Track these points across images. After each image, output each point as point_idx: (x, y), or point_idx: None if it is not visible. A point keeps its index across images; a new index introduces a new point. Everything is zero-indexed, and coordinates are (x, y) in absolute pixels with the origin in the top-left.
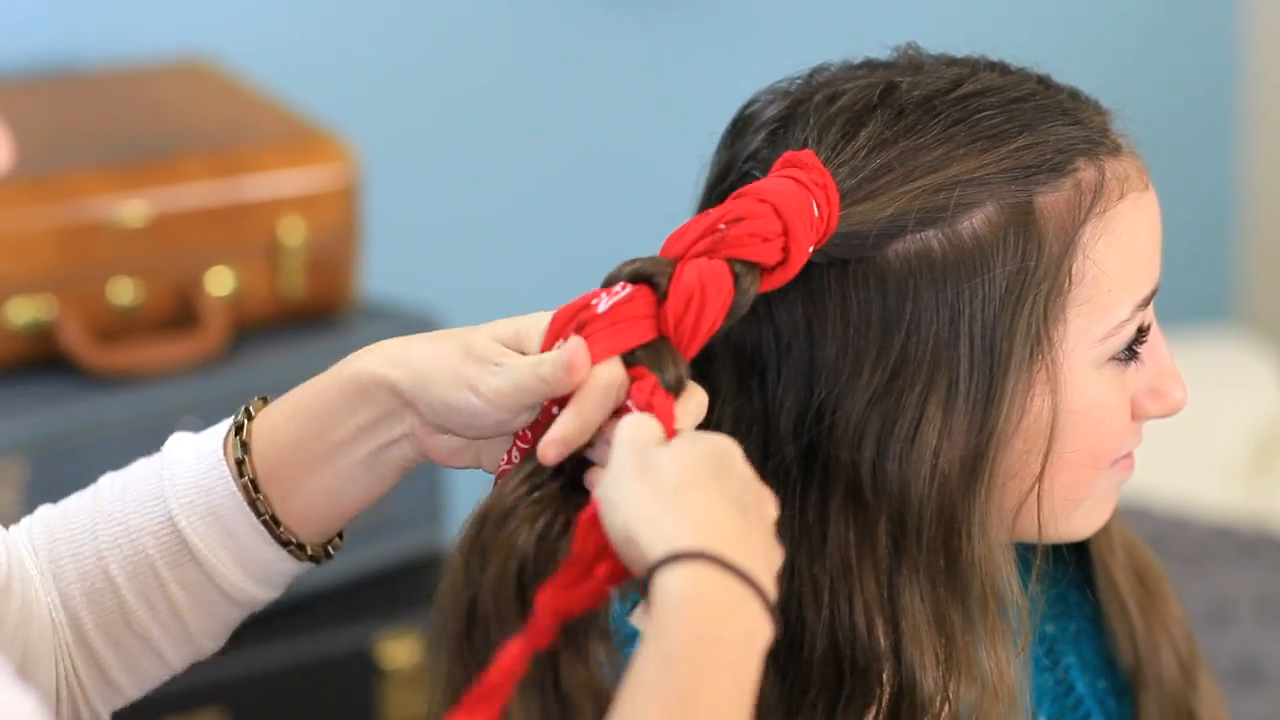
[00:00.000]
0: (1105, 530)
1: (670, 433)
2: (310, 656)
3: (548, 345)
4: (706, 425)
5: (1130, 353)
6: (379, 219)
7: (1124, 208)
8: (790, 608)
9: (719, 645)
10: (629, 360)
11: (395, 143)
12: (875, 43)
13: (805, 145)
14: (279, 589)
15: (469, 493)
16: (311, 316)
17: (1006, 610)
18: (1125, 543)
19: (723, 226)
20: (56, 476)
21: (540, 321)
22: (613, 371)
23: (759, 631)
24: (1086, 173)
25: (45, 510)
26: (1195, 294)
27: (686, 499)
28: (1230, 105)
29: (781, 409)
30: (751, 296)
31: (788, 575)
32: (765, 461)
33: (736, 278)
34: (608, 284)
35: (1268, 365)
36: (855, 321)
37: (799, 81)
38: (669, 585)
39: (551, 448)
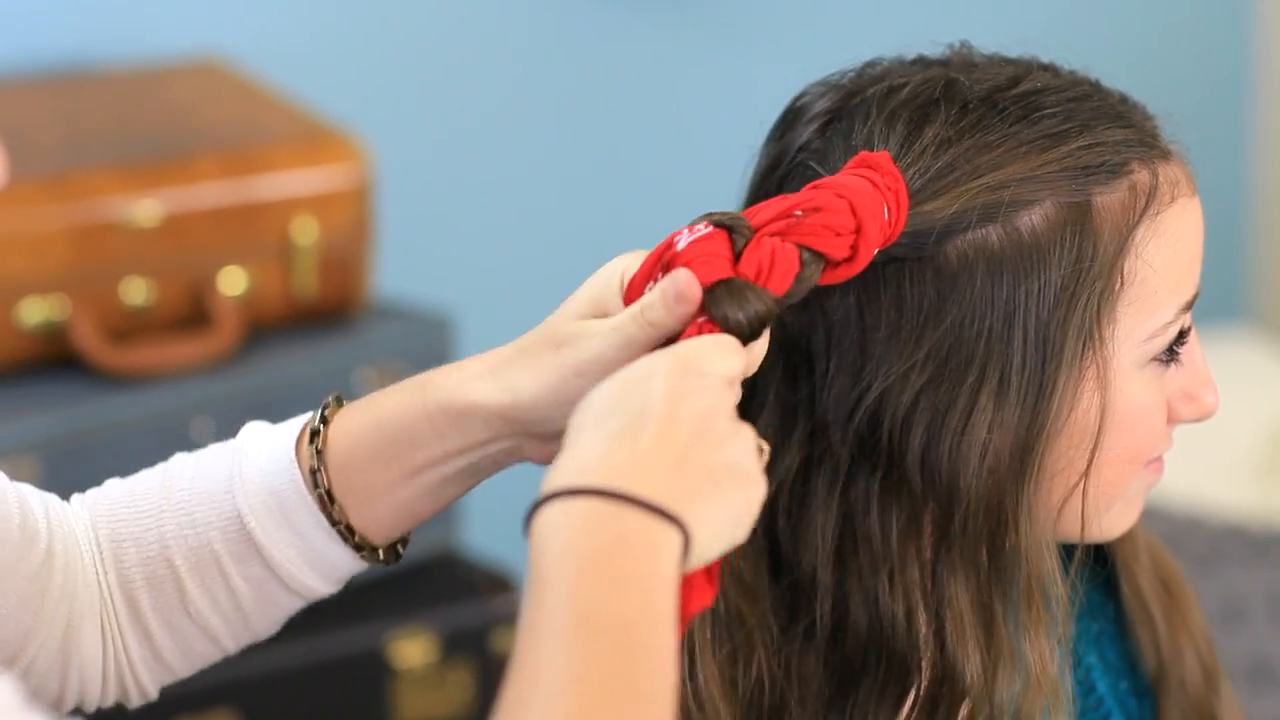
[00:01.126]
0: (1130, 535)
1: None
2: (322, 656)
3: (636, 293)
4: (749, 411)
5: (1171, 354)
6: (392, 218)
7: (1174, 211)
8: (836, 594)
9: (603, 555)
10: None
11: (408, 142)
12: (891, 43)
13: (871, 138)
14: (343, 583)
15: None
16: (324, 316)
17: (1049, 602)
18: (1150, 548)
19: (799, 213)
20: (69, 476)
21: (610, 277)
22: None
23: (637, 537)
24: (1141, 175)
25: (113, 486)
26: (1208, 294)
27: (577, 436)
28: (1242, 105)
29: (830, 398)
30: (810, 286)
31: (832, 562)
32: (811, 444)
33: (803, 264)
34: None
35: (1279, 365)
36: (909, 312)
37: (850, 75)
38: (541, 521)
39: None
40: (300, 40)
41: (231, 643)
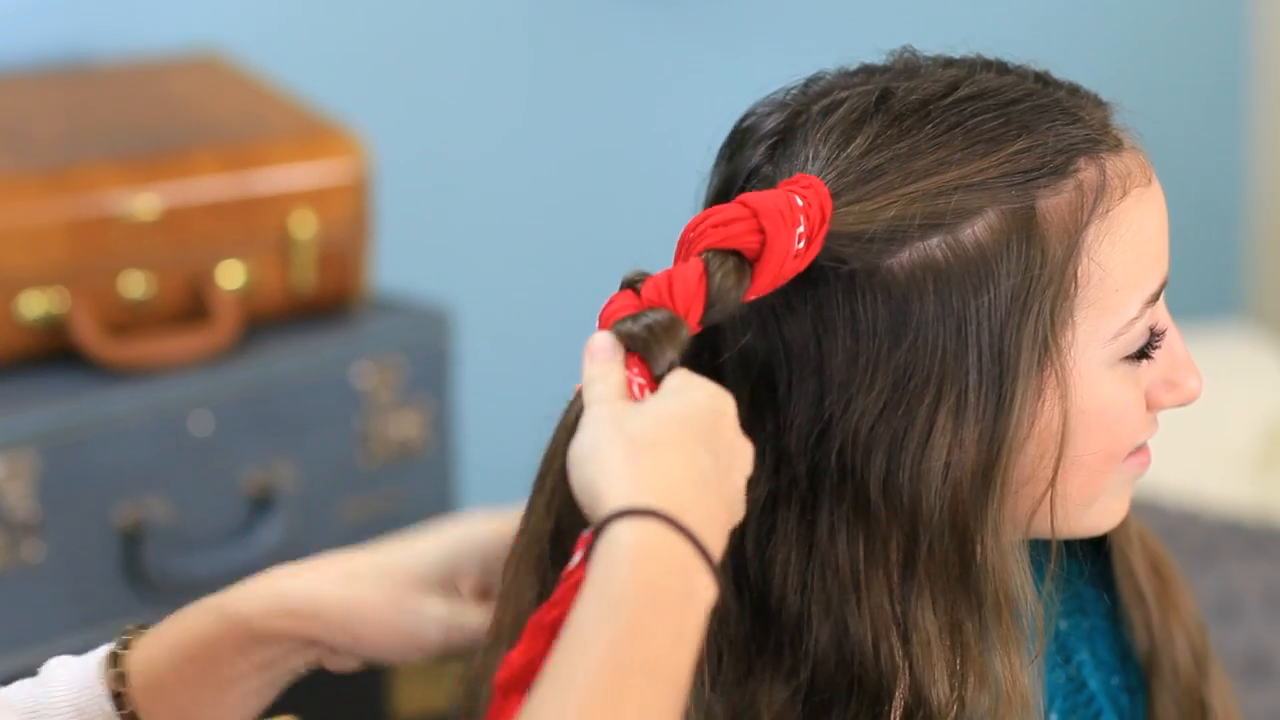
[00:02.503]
0: (1123, 522)
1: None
2: None
3: None
4: None
5: (1142, 354)
6: (390, 213)
7: (1127, 205)
8: (805, 624)
9: (664, 594)
10: (627, 347)
11: (406, 136)
12: (885, 39)
13: (804, 161)
14: None
15: (477, 486)
16: (322, 310)
17: (1020, 616)
18: (1140, 534)
19: (691, 234)
20: (68, 469)
21: (470, 544)
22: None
23: (702, 592)
24: (1088, 173)
25: None
26: (1203, 289)
27: (651, 456)
28: (1239, 100)
29: (792, 424)
30: (734, 284)
31: (799, 590)
32: (777, 476)
33: (707, 262)
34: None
35: (1275, 360)
36: (863, 334)
37: (795, 91)
38: (618, 536)
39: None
40: (299, 35)
41: None
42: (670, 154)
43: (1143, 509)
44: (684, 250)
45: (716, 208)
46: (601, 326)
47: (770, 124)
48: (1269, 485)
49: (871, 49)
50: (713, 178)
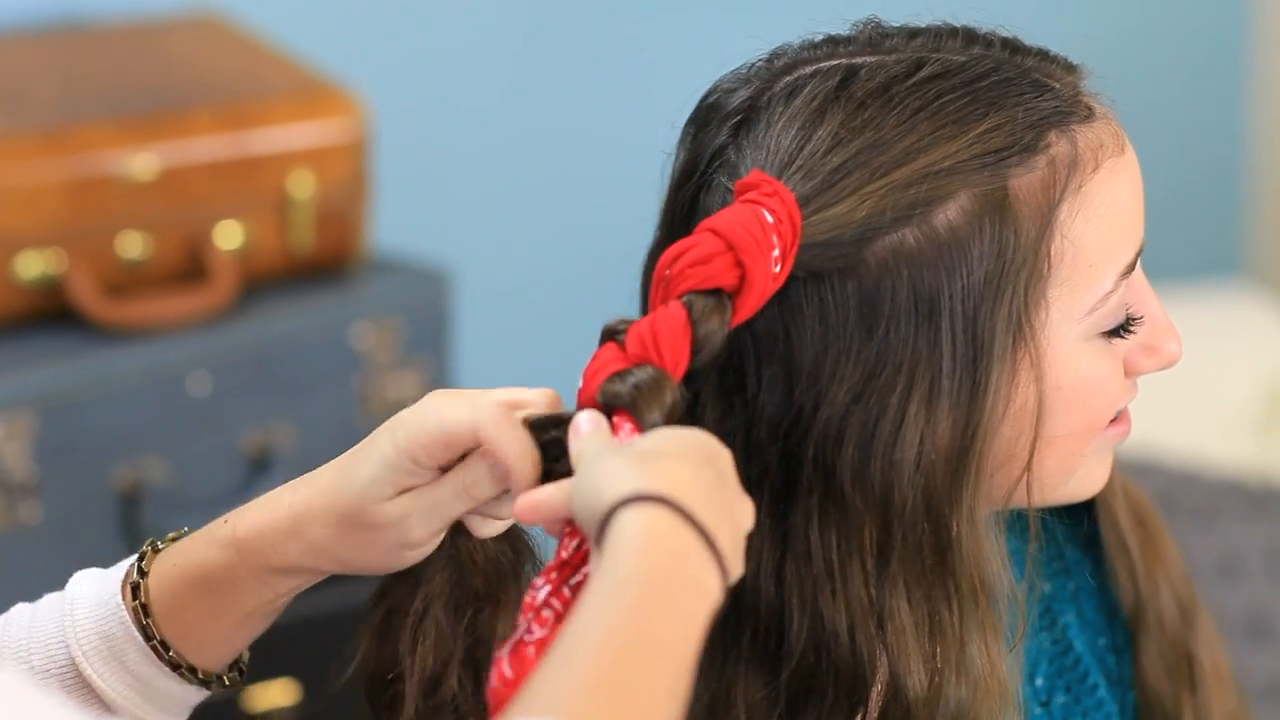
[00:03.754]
0: None
1: None
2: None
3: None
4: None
5: (1117, 333)
6: (388, 173)
7: (1100, 178)
8: (779, 614)
9: (672, 581)
10: (612, 404)
11: (405, 96)
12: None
13: (766, 152)
14: (184, 714)
15: None
16: (321, 270)
17: (997, 602)
18: (1123, 484)
19: (668, 271)
20: (65, 430)
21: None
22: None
23: (711, 587)
24: (1059, 147)
25: None
26: (1204, 249)
27: (660, 461)
28: (1240, 59)
29: (763, 415)
30: (718, 325)
31: (775, 581)
32: (748, 467)
33: (691, 308)
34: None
35: (1276, 319)
36: (833, 324)
37: (759, 66)
38: (627, 523)
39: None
40: None
41: None
42: (669, 114)
43: (1144, 470)
44: (662, 290)
45: (688, 242)
46: (586, 384)
47: (734, 102)
48: (1270, 445)
49: (840, 18)
50: (678, 153)
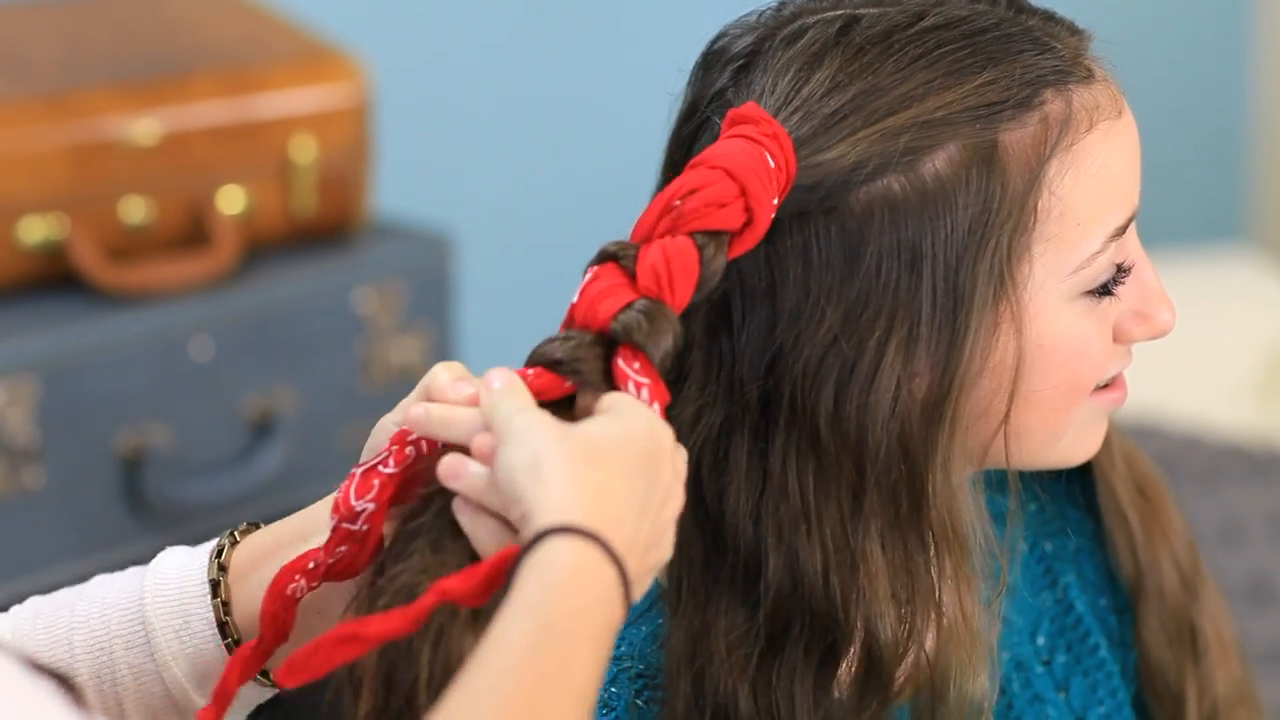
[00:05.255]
0: (1105, 443)
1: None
2: None
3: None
4: (680, 369)
5: (1105, 291)
6: (390, 137)
7: (1093, 139)
8: (758, 552)
9: (592, 623)
10: (626, 337)
11: (407, 60)
12: None
13: (761, 92)
14: (241, 714)
15: None
16: (323, 235)
17: (972, 553)
18: (1125, 454)
19: (678, 203)
20: (68, 395)
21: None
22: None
23: (618, 619)
24: (1054, 105)
25: (36, 598)
26: (1206, 213)
27: (592, 470)
28: (1241, 24)
29: (745, 353)
30: (720, 265)
31: (753, 519)
32: (730, 403)
33: (701, 249)
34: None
35: (1278, 284)
36: (815, 266)
37: (768, 13)
38: (560, 555)
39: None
40: None
41: None
42: (671, 76)
43: (1145, 434)
44: (669, 221)
45: (701, 178)
46: (589, 306)
47: (739, 46)
48: (1271, 410)
49: None
50: (684, 97)
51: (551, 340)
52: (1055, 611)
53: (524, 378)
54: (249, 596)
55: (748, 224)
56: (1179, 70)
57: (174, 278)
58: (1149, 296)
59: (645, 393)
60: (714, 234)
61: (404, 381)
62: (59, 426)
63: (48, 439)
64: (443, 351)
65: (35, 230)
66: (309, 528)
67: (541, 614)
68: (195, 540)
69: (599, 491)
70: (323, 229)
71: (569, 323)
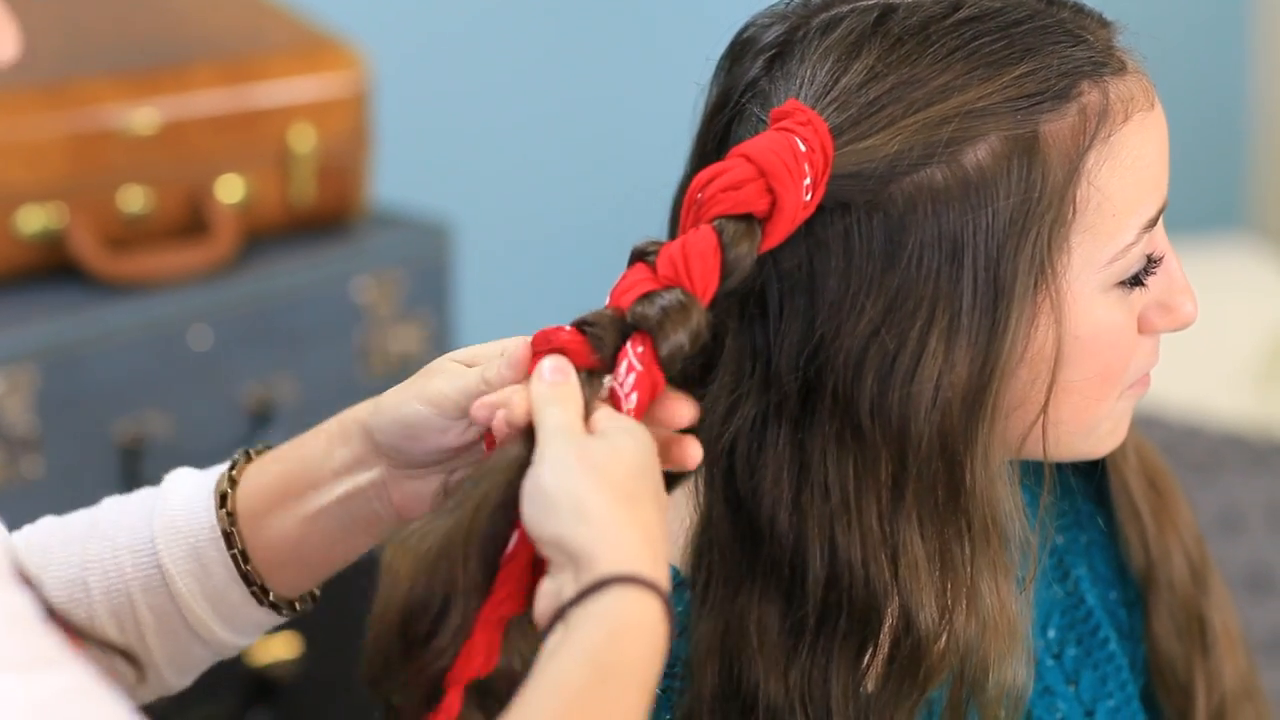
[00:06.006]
0: None
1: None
2: None
3: (532, 364)
4: (711, 363)
5: (1137, 281)
6: (390, 126)
7: (1129, 130)
8: (795, 543)
9: (649, 671)
10: (639, 325)
11: (406, 49)
12: None
13: (801, 84)
14: (247, 635)
15: None
16: (322, 224)
17: (1009, 543)
18: (1138, 447)
19: (700, 195)
20: (67, 384)
21: (493, 347)
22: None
23: (663, 654)
24: (1091, 96)
25: (48, 519)
26: (1206, 202)
27: (632, 511)
28: (1241, 13)
29: (783, 344)
30: (746, 251)
31: (791, 511)
32: (766, 395)
33: (721, 233)
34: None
35: (1278, 273)
36: (857, 256)
37: (796, 3)
38: (625, 605)
39: (483, 408)
40: None
41: (147, 692)
42: (675, 63)
43: (1146, 423)
44: (693, 214)
45: (721, 166)
46: (614, 304)
47: (769, 36)
48: (1271, 399)
49: None
50: (711, 88)
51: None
52: (1066, 604)
53: (559, 335)
54: (265, 544)
55: (774, 206)
56: (1178, 60)
57: (173, 267)
58: (1173, 288)
59: (631, 378)
60: (736, 219)
61: (403, 370)
62: (58, 416)
63: (47, 428)
64: (442, 340)
65: (34, 219)
66: (310, 468)
67: (602, 661)
68: None
69: (645, 534)
70: (322, 218)
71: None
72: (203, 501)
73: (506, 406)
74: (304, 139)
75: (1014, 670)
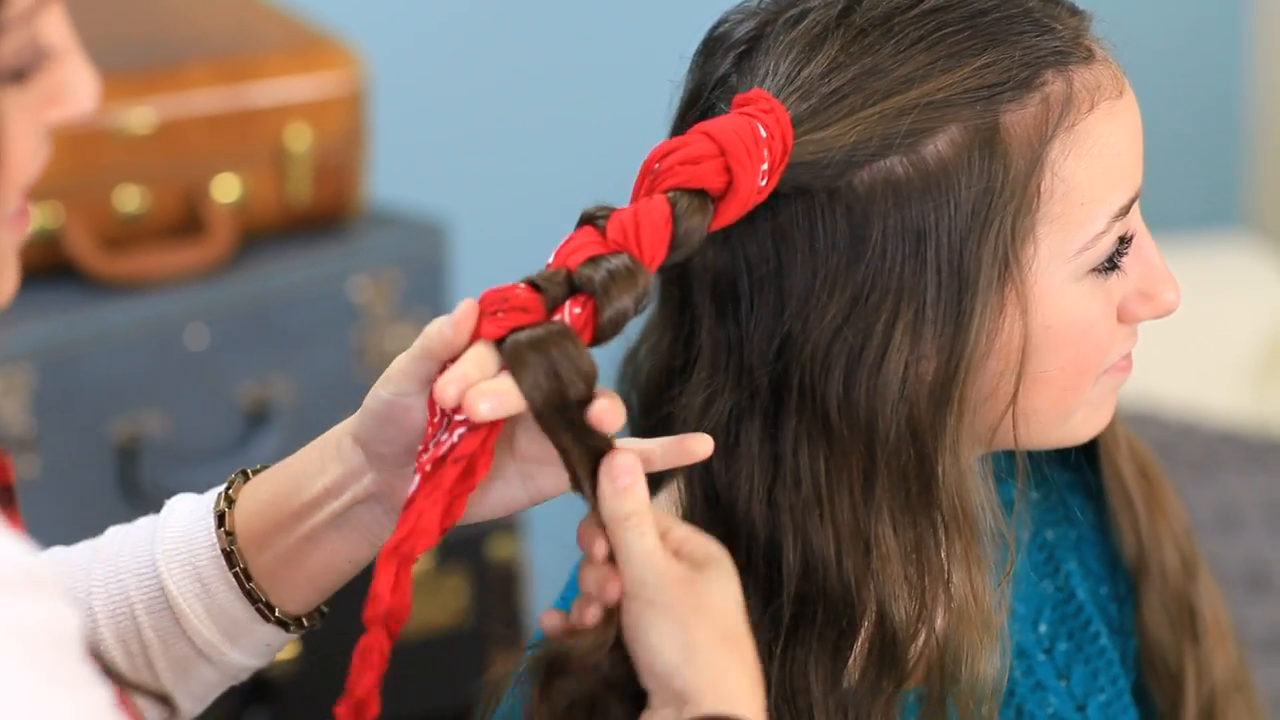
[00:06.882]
0: (1110, 424)
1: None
2: None
3: (479, 324)
4: (689, 355)
5: (1111, 264)
6: (386, 125)
7: (1095, 118)
8: (770, 537)
9: None
10: (583, 288)
11: (402, 48)
12: None
13: (765, 76)
14: (258, 656)
15: None
16: (318, 223)
17: (981, 535)
18: (1126, 436)
19: (657, 165)
20: (63, 384)
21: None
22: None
23: None
24: (1054, 86)
25: (54, 549)
26: (1203, 199)
27: (739, 650)
28: (1239, 10)
29: (754, 338)
30: (697, 225)
31: (765, 505)
32: (739, 389)
33: (674, 204)
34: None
35: (1275, 270)
36: (821, 250)
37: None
38: None
39: (450, 386)
40: None
41: (146, 704)
42: (668, 61)
43: (1142, 420)
44: (647, 182)
45: (681, 140)
46: (560, 263)
47: (740, 32)
48: (1269, 396)
49: None
50: (686, 84)
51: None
52: (1057, 599)
53: (515, 293)
54: (267, 564)
55: (729, 186)
56: (1176, 57)
57: (169, 266)
58: (1154, 276)
59: (459, 434)
60: (690, 192)
61: None
62: (54, 415)
63: (42, 428)
64: None
65: (30, 219)
66: (303, 486)
67: None
68: None
69: (750, 675)
70: (318, 217)
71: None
72: (201, 522)
73: (462, 381)
74: (300, 138)
75: (988, 663)
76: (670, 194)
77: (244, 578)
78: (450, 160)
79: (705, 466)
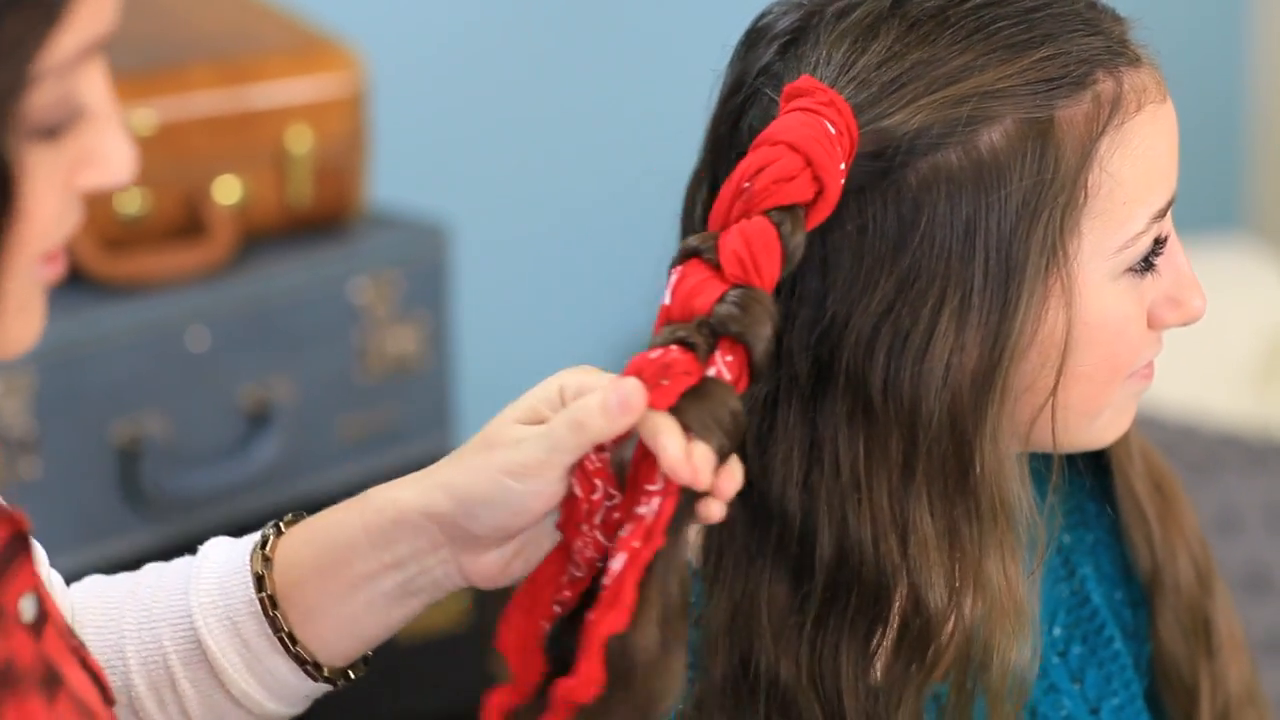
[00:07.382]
0: (1124, 438)
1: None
2: None
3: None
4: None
5: (1146, 264)
6: (387, 127)
7: (1141, 120)
8: (805, 521)
9: None
10: (726, 331)
11: (403, 50)
12: None
13: (816, 65)
14: (296, 706)
15: (474, 400)
16: (319, 225)
17: (1017, 524)
18: (1142, 450)
19: (747, 184)
20: (64, 386)
21: (549, 391)
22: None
23: None
24: (1105, 85)
25: (93, 578)
26: (1204, 202)
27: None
28: (1241, 12)
29: (794, 323)
30: (800, 240)
31: (802, 489)
32: (777, 373)
33: (778, 225)
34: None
35: (1276, 274)
36: (869, 235)
37: None
38: None
39: (696, 465)
40: None
41: None
42: (673, 62)
43: (1143, 423)
44: (740, 204)
45: (765, 156)
46: (682, 304)
47: (784, 23)
48: (1269, 399)
49: None
50: (726, 75)
51: (660, 334)
52: (1072, 603)
53: (671, 361)
54: (316, 631)
55: (819, 194)
56: (1176, 58)
57: (170, 268)
58: (1182, 282)
59: (655, 503)
60: (788, 209)
61: (400, 372)
62: (55, 417)
63: (44, 429)
64: (439, 341)
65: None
66: (359, 556)
67: None
68: (191, 530)
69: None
70: (319, 219)
71: (664, 324)
72: (237, 575)
73: (679, 455)
74: (301, 140)
75: (1019, 652)
76: (773, 215)
77: (290, 640)
78: (451, 162)
79: (739, 448)
